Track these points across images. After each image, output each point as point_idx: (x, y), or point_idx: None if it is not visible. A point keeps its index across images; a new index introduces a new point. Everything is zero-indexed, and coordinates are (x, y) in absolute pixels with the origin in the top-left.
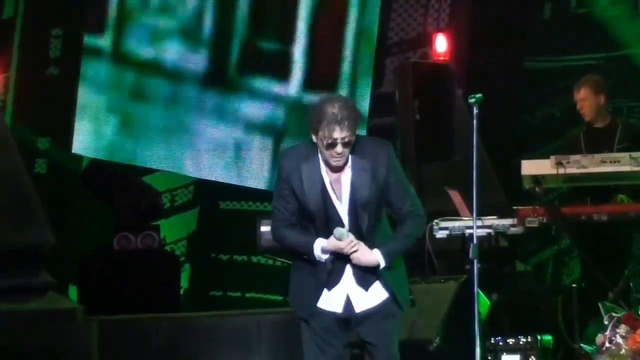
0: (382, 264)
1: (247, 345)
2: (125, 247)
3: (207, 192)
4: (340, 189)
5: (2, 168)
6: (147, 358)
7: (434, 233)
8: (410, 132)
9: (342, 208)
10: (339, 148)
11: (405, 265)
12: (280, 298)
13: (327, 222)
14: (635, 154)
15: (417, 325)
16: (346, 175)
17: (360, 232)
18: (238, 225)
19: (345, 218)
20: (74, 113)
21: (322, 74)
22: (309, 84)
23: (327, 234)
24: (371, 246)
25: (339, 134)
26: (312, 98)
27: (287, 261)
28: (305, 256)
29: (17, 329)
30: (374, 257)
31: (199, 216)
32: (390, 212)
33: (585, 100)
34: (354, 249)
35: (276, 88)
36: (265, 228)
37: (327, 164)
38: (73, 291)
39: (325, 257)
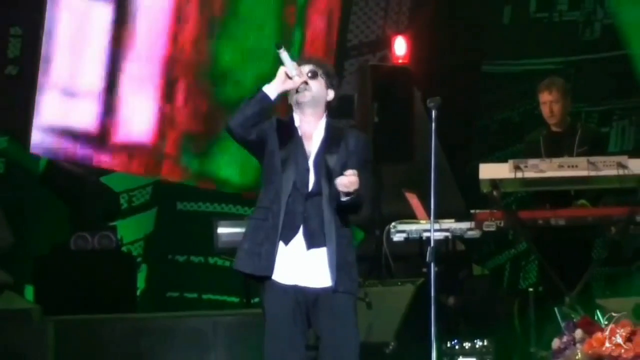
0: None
1: (203, 346)
2: (82, 247)
3: (164, 193)
4: (311, 143)
5: None
6: (103, 358)
7: (392, 236)
8: (369, 134)
9: (310, 160)
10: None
11: (357, 260)
12: (237, 300)
13: (295, 166)
14: (593, 159)
15: (374, 328)
16: (318, 133)
17: (320, 188)
18: (195, 227)
19: (311, 166)
20: (32, 113)
21: None
22: None
23: (290, 183)
24: (329, 216)
25: (304, 68)
26: None
27: None
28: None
29: None
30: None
31: (156, 217)
32: None
33: (557, 102)
34: (304, 78)
35: None
36: (222, 229)
37: (297, 104)
38: (29, 291)
39: (275, 93)
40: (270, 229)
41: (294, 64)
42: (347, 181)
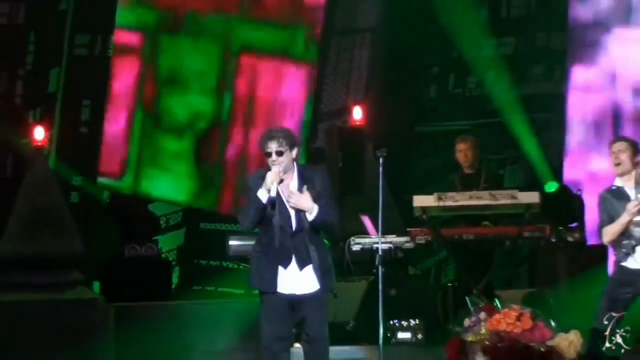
0: (315, 210)
1: (219, 324)
2: (133, 254)
3: (191, 216)
4: (288, 192)
5: (49, 199)
6: (149, 333)
7: (351, 246)
8: (336, 175)
9: (289, 206)
10: (273, 156)
11: (333, 266)
12: (243, 292)
13: (280, 213)
14: (493, 192)
15: (339, 312)
16: (293, 183)
17: (301, 226)
18: (213, 240)
19: (292, 212)
20: (99, 159)
21: None
22: None
23: (279, 226)
24: (309, 241)
25: (271, 146)
26: None
27: (247, 265)
28: (263, 240)
29: (56, 312)
30: (310, 203)
31: (185, 233)
32: None
33: (470, 150)
34: (280, 175)
35: None
36: (232, 242)
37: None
38: (96, 285)
39: (266, 196)
40: (271, 260)
41: (272, 172)
42: (294, 200)
